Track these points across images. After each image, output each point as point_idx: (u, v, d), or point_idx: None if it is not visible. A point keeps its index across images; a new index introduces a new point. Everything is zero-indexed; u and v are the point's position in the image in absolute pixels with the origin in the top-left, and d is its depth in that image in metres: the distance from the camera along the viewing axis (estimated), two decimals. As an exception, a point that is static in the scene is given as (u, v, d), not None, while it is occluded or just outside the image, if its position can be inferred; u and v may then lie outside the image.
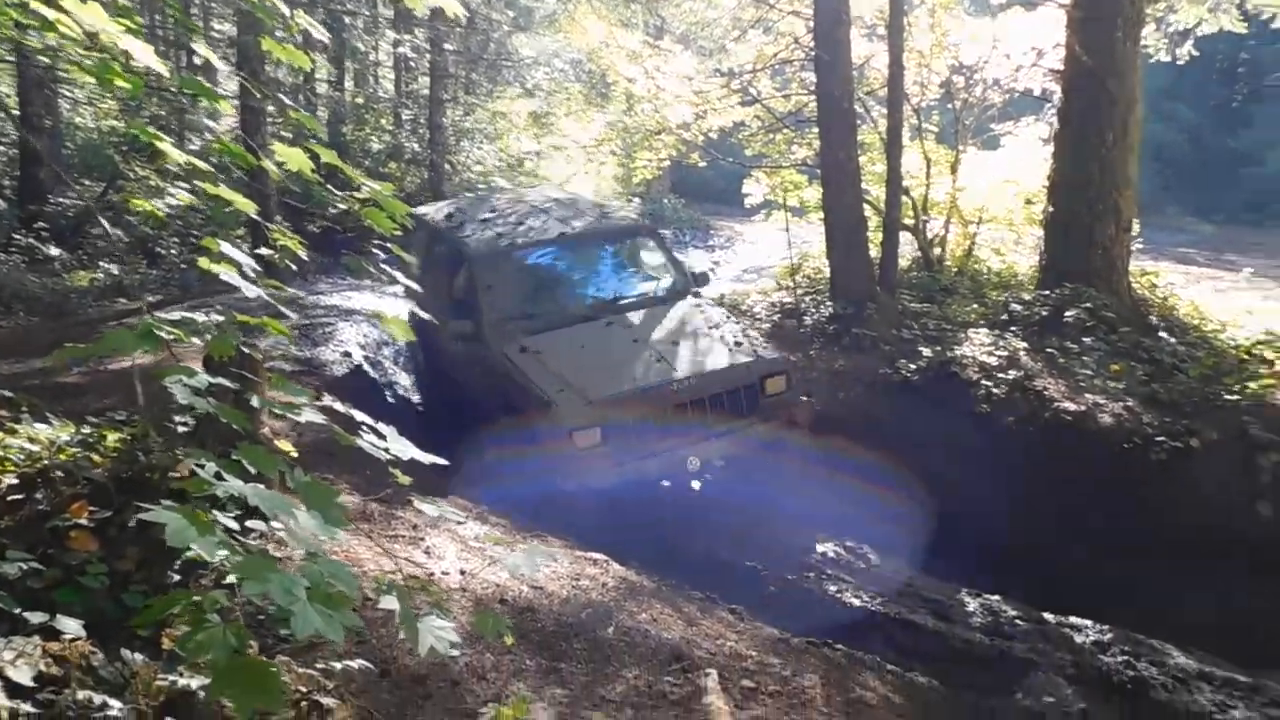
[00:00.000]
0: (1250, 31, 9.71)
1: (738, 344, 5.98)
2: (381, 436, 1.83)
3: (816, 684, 3.06)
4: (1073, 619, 5.12)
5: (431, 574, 3.10)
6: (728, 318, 6.47)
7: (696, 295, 6.60)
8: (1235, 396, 5.99)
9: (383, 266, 2.68)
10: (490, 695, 2.51)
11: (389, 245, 2.58)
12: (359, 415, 1.85)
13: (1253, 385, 6.03)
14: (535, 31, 19.11)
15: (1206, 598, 5.33)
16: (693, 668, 2.92)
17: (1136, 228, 7.93)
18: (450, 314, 6.11)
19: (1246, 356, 6.42)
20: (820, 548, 5.45)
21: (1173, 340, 6.92)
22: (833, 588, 5.10)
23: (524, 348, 5.67)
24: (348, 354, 7.73)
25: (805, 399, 6.23)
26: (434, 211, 7.55)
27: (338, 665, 2.36)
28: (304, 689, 2.29)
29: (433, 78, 16.35)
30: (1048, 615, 5.17)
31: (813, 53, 8.20)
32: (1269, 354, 6.31)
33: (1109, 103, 7.04)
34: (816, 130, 8.55)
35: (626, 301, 6.35)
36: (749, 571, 5.14)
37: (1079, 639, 4.93)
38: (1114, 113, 7.03)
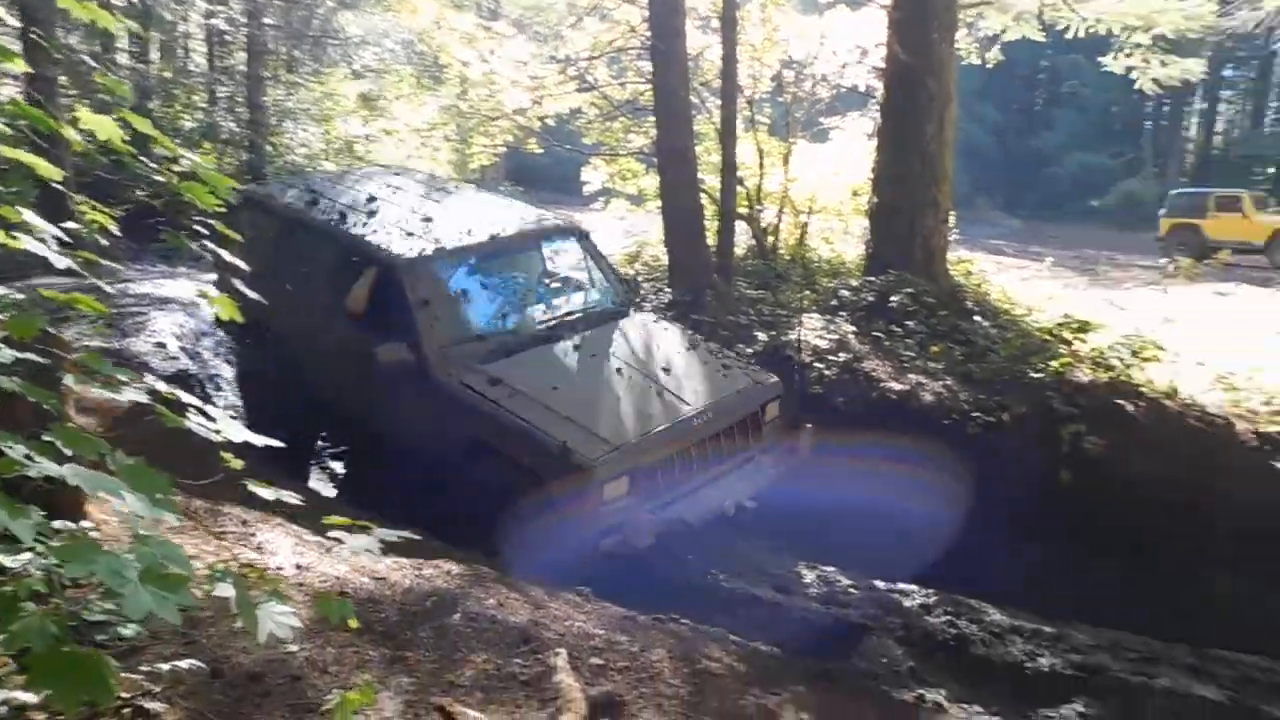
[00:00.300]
0: (1049, 41, 10.63)
1: (726, 367, 5.65)
2: (210, 419, 1.76)
3: (664, 657, 3.16)
4: (901, 585, 5.51)
5: (266, 569, 2.99)
6: (691, 335, 6.12)
7: (639, 308, 6.13)
8: (1039, 374, 6.60)
9: (206, 245, 2.55)
10: (334, 688, 2.45)
11: (212, 224, 2.44)
12: (187, 397, 1.77)
13: (1054, 363, 6.65)
14: (363, 9, 18.48)
15: (1016, 558, 5.86)
16: (542, 648, 2.96)
17: (953, 219, 8.55)
18: (341, 329, 5.35)
19: (1049, 337, 7.07)
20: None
21: (986, 323, 7.53)
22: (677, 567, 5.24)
23: (495, 379, 4.89)
24: (162, 344, 7.24)
25: (808, 426, 5.84)
26: (281, 195, 6.42)
27: (165, 667, 2.25)
28: (127, 695, 2.17)
29: (250, 53, 15.49)
30: (878, 582, 5.54)
31: (649, 42, 8.36)
32: (1067, 335, 6.98)
33: (927, 100, 7.57)
34: (654, 119, 8.73)
35: (576, 317, 5.73)
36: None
37: (907, 603, 5.31)
38: (931, 109, 7.58)
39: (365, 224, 5.72)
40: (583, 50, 10.48)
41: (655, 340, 5.74)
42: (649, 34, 8.39)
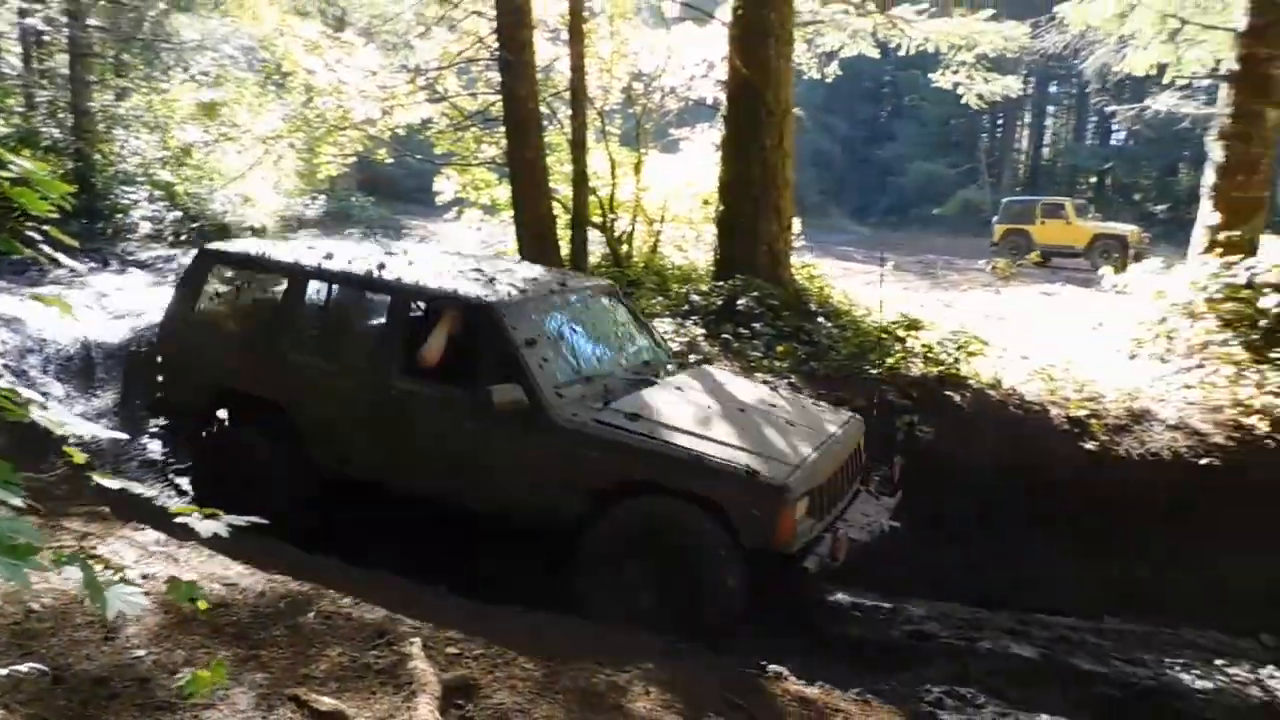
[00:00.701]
0: (891, 57, 11.44)
1: (818, 404, 5.85)
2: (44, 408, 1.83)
3: (519, 643, 3.34)
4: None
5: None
6: (758, 381, 6.37)
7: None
8: (877, 370, 7.14)
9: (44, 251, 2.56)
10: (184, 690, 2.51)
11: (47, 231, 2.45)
12: (27, 393, 1.84)
13: (889, 359, 7.22)
14: (198, 13, 17.85)
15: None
16: (397, 640, 3.08)
17: (798, 226, 9.07)
18: (403, 385, 4.96)
19: (884, 336, 7.64)
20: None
21: (828, 324, 8.05)
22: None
23: (633, 414, 4.66)
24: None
25: (898, 459, 5.87)
26: (273, 251, 5.74)
27: (3, 672, 2.26)
28: (-38, 702, 2.18)
29: (73, 56, 14.76)
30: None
31: (498, 53, 8.53)
32: (900, 332, 7.57)
33: (767, 113, 8.05)
34: (504, 129, 8.89)
35: (646, 365, 5.64)
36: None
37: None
38: (771, 121, 8.06)
39: (416, 274, 5.31)
40: (432, 60, 10.55)
41: (736, 383, 5.82)
42: (498, 45, 8.56)
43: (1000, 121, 41.40)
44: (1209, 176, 9.70)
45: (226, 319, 5.83)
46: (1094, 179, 42.12)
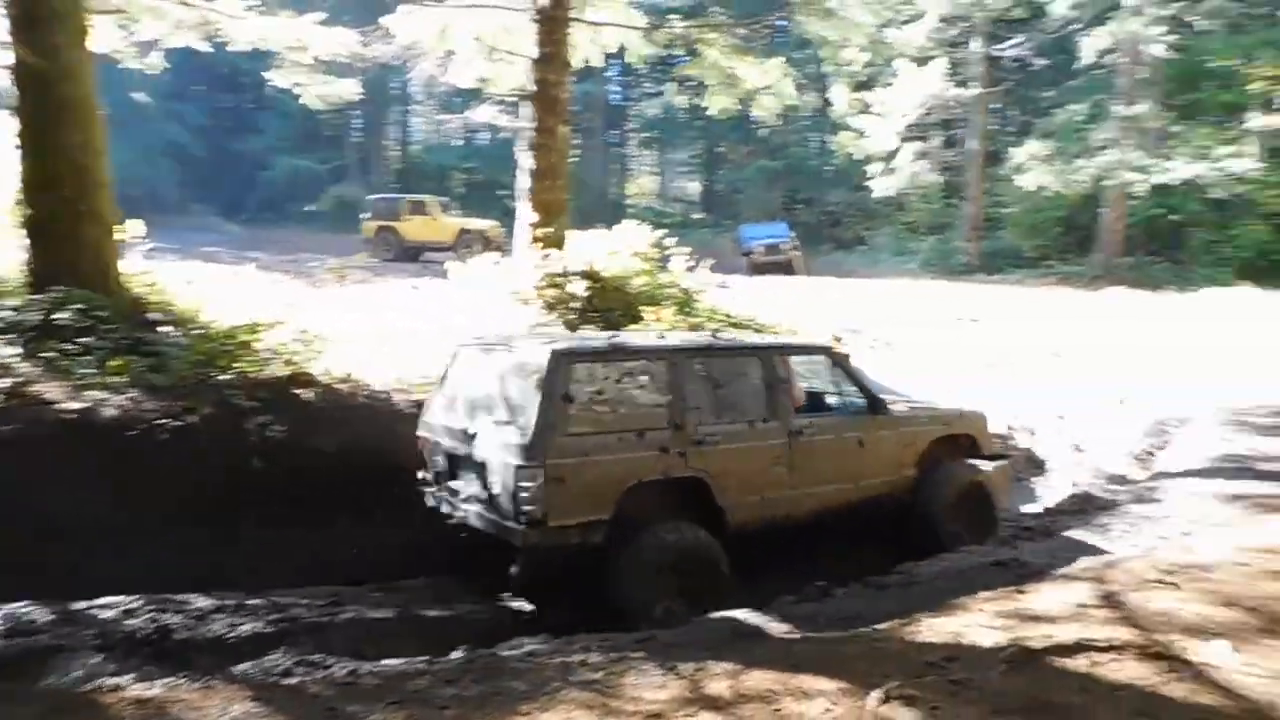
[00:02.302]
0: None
1: None
2: None
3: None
4: (102, 600, 5.74)
5: None
6: None
7: None
8: (226, 375, 7.38)
9: None
10: None
11: None
12: None
13: (238, 364, 7.50)
14: None
15: (228, 544, 6.57)
16: None
17: (144, 228, 8.80)
18: (788, 425, 6.31)
19: (230, 340, 7.87)
20: None
21: (174, 332, 8.01)
22: None
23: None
24: None
25: None
26: (629, 343, 6.30)
27: None
28: None
29: None
30: (76, 604, 5.70)
31: None
32: (246, 336, 7.87)
33: (66, 106, 7.63)
34: None
35: None
36: None
37: (105, 614, 5.58)
38: (73, 117, 7.66)
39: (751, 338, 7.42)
40: None
41: None
42: None
43: (363, 118, 43.18)
44: (523, 181, 11.68)
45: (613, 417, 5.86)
46: (463, 175, 46.35)
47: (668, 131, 49.17)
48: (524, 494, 5.33)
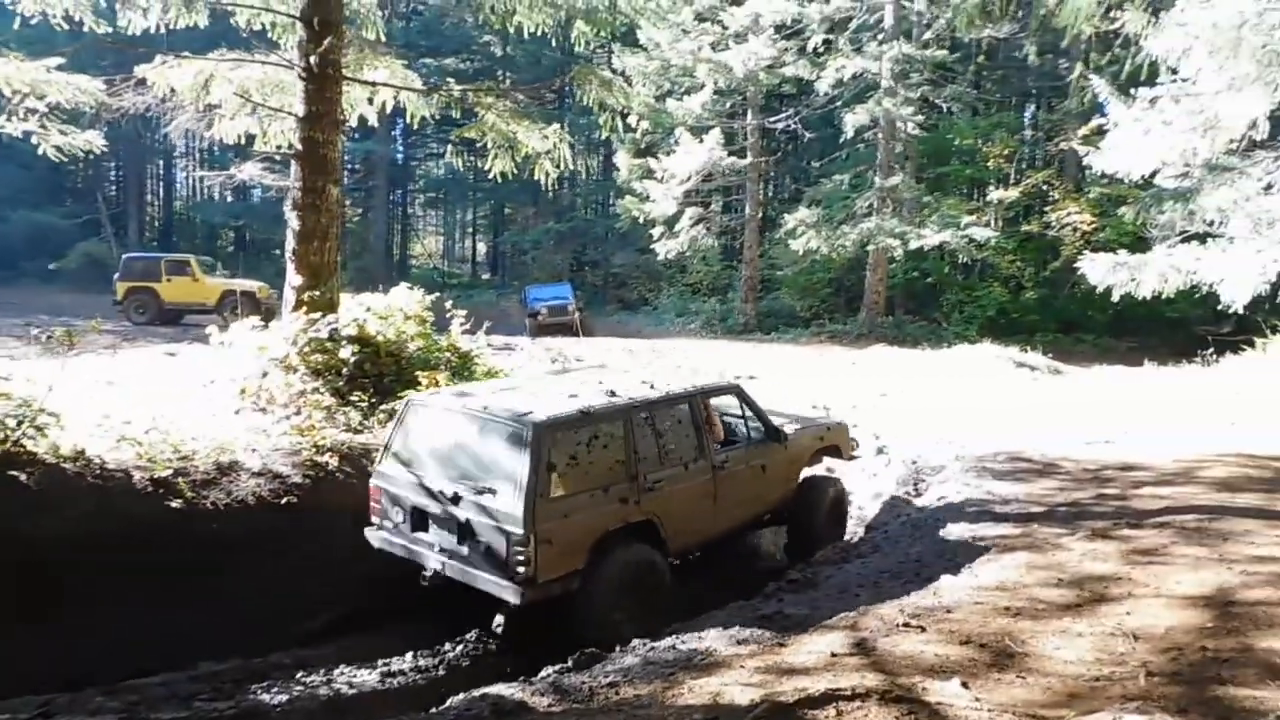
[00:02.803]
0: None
1: None
2: None
3: None
4: None
5: None
6: None
7: None
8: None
9: None
10: None
11: None
12: None
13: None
14: None
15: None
16: None
17: None
18: (711, 460, 7.50)
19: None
20: None
21: None
22: None
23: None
24: None
25: None
26: (589, 405, 6.79)
27: None
28: None
29: None
30: None
31: None
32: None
33: None
34: None
35: None
36: None
37: None
38: None
39: (680, 384, 7.94)
40: None
41: None
42: None
43: (119, 171, 40.47)
44: (290, 242, 11.22)
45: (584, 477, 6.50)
46: (232, 234, 44.09)
47: (453, 192, 49.10)
48: (518, 558, 6.02)
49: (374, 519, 7.25)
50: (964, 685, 4.26)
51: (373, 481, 7.26)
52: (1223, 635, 4.93)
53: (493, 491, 6.25)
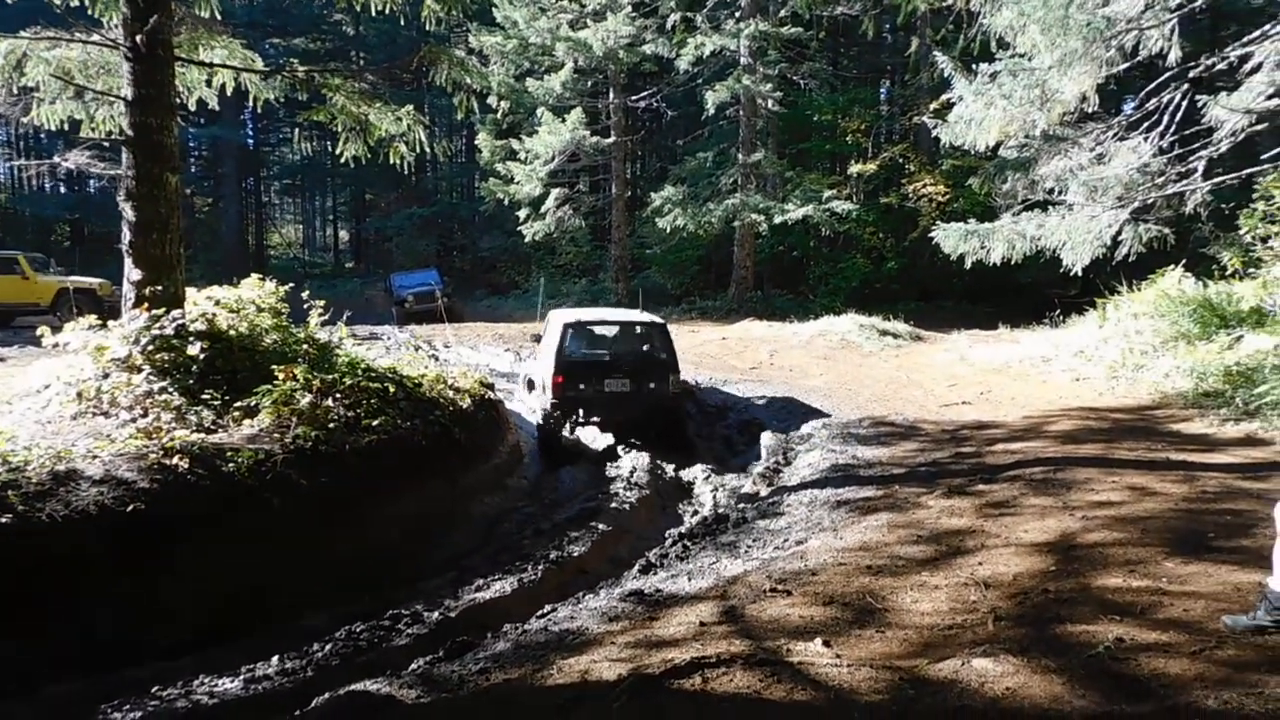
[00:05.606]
0: None
1: None
2: None
3: None
4: None
5: None
6: None
7: None
8: None
9: None
10: None
11: None
12: None
13: None
14: None
15: None
16: None
17: None
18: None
19: None
20: None
21: None
22: None
23: None
24: None
25: None
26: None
27: None
28: None
29: None
30: None
31: None
32: None
33: None
34: None
35: None
36: None
37: None
38: None
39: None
40: None
41: None
42: None
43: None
44: (127, 235, 10.65)
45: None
46: (67, 228, 41.56)
47: (310, 178, 47.54)
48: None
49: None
50: (826, 644, 4.43)
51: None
52: (1064, 577, 5.28)
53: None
